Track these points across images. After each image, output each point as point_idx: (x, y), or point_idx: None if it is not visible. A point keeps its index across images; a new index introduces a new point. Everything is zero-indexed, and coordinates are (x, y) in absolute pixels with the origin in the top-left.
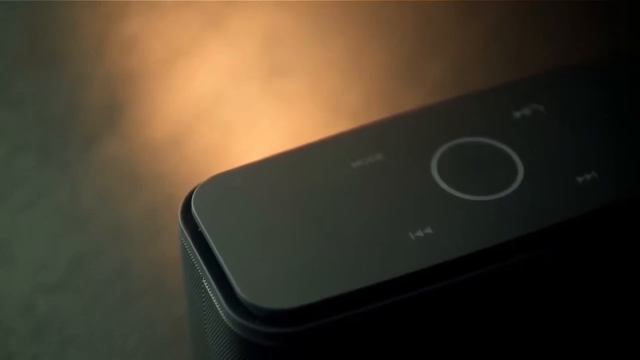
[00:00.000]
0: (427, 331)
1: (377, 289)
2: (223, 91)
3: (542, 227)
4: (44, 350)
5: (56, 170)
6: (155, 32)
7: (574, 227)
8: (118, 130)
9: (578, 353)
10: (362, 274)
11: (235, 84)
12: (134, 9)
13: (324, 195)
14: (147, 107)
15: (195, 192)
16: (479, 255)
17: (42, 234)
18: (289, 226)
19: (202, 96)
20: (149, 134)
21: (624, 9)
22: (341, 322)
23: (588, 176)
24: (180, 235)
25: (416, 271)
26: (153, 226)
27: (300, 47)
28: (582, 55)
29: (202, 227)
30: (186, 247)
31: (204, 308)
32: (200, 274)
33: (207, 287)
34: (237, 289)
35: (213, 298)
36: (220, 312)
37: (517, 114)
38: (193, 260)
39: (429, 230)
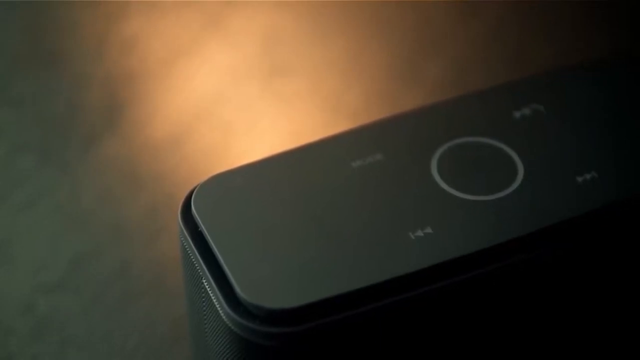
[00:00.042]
0: (427, 331)
1: (377, 288)
2: (223, 91)
3: (542, 227)
4: (44, 350)
5: (56, 170)
6: (155, 32)
7: (574, 227)
8: (118, 130)
9: (578, 353)
10: (362, 273)
11: (235, 84)
12: (134, 9)
13: (324, 195)
14: (147, 107)
15: (195, 192)
16: (479, 255)
17: (42, 234)
18: (289, 226)
19: (202, 96)
20: (149, 134)
21: (624, 9)
22: (341, 322)
23: (588, 176)
24: (180, 235)
25: (416, 271)
26: (153, 226)
27: (300, 47)
28: (582, 55)
29: (202, 227)
30: (186, 247)
31: (204, 308)
32: (200, 273)
33: (207, 287)
34: (237, 289)
35: (213, 298)
36: (220, 312)
37: (517, 114)
38: (193, 260)
39: (429, 230)
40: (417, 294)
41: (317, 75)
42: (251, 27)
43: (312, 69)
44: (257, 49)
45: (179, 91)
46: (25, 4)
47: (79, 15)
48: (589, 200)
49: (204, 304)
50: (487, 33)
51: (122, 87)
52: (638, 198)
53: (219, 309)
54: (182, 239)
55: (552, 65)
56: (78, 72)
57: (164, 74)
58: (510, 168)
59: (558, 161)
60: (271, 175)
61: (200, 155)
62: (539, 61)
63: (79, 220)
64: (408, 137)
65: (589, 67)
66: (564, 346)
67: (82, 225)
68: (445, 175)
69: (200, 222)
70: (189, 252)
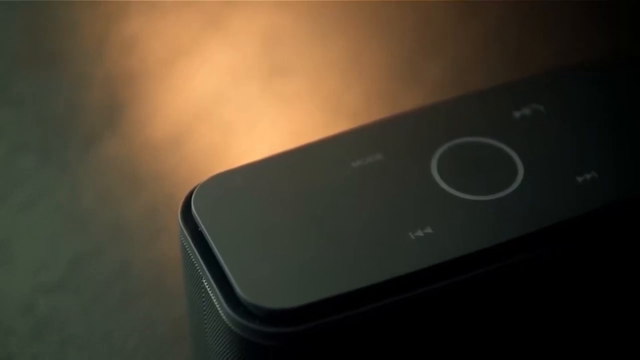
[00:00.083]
0: (427, 331)
1: (377, 288)
2: (223, 91)
3: (542, 227)
4: (44, 350)
5: (56, 170)
6: (155, 32)
7: (573, 227)
8: (118, 130)
9: (578, 353)
10: (362, 273)
11: (235, 84)
12: (134, 9)
13: (324, 195)
14: (147, 107)
15: (195, 192)
16: (479, 255)
17: (42, 234)
18: (289, 226)
19: (202, 96)
20: (149, 134)
21: (624, 9)
22: (341, 321)
23: (588, 176)
24: (180, 235)
25: (416, 271)
26: (153, 226)
27: (300, 47)
28: (582, 55)
29: (202, 227)
30: (186, 247)
31: (204, 308)
32: (200, 273)
33: (207, 287)
34: (237, 289)
35: (213, 298)
36: (220, 311)
37: (517, 114)
38: (193, 260)
39: (429, 230)
40: (417, 294)
41: (317, 75)
42: (251, 27)
43: (312, 69)
44: (257, 49)
45: (179, 91)
46: (25, 4)
47: (79, 15)
48: (589, 200)
49: (204, 304)
50: (487, 33)
51: (122, 87)
52: (638, 198)
53: (219, 309)
54: (182, 239)
55: (552, 65)
56: (78, 72)
57: (164, 74)
58: (510, 168)
59: (558, 161)
60: (271, 175)
61: (200, 155)
62: (539, 61)
63: (79, 220)
64: (408, 137)
65: (589, 67)
66: (564, 346)
67: (82, 225)
68: (445, 175)
69: (200, 222)
70: (189, 252)
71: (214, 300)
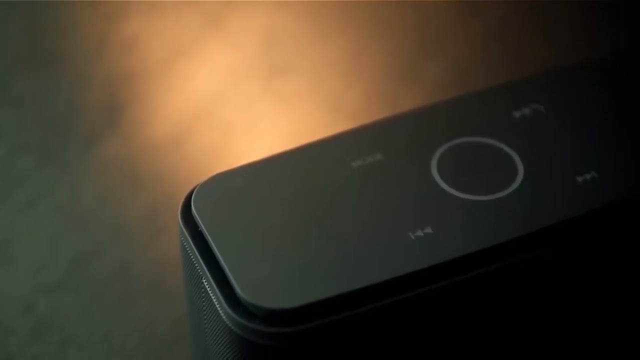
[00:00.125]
0: (427, 331)
1: (377, 288)
2: (223, 91)
3: (542, 227)
4: (44, 350)
5: (56, 170)
6: (155, 32)
7: (573, 227)
8: (118, 130)
9: (578, 353)
10: (362, 273)
11: (235, 84)
12: (134, 9)
13: (324, 195)
14: (147, 107)
15: (195, 192)
16: (479, 255)
17: (42, 234)
18: (289, 226)
19: (202, 96)
20: (149, 134)
21: (624, 9)
22: (341, 321)
23: (588, 176)
24: (180, 235)
25: (416, 271)
26: (153, 226)
27: (300, 47)
28: (582, 55)
29: (202, 227)
30: (186, 247)
31: (204, 308)
32: (200, 273)
33: (207, 286)
34: (237, 289)
35: (213, 298)
36: (220, 311)
37: (517, 114)
38: (193, 260)
39: (429, 230)
40: (417, 294)
41: (317, 75)
42: (251, 27)
43: (312, 69)
44: (257, 49)
45: (179, 91)
46: (25, 4)
47: (79, 15)
48: (589, 200)
49: (204, 303)
50: (487, 33)
51: (122, 87)
52: (638, 198)
53: (219, 308)
54: (182, 238)
55: (552, 65)
56: (78, 72)
57: (164, 74)
58: (510, 168)
59: (558, 161)
60: (271, 175)
61: (200, 155)
62: (539, 61)
63: (79, 220)
64: (408, 137)
65: (589, 67)
66: (564, 346)
67: (82, 225)
68: (445, 175)
69: (200, 222)
70: (189, 252)
71: (214, 300)
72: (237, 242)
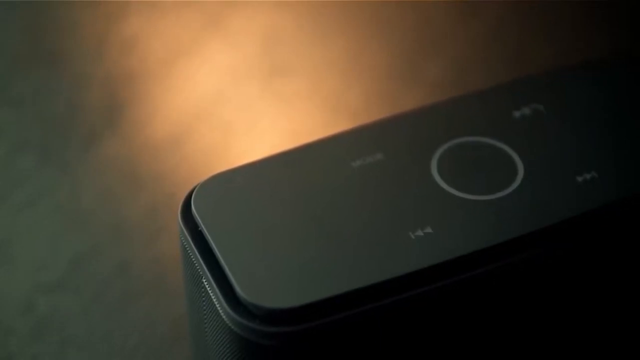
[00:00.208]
0: (427, 331)
1: (377, 288)
2: (223, 91)
3: (542, 226)
4: (44, 350)
5: (56, 170)
6: (155, 32)
7: (573, 227)
8: (118, 130)
9: (578, 353)
10: (361, 273)
11: (235, 84)
12: (134, 9)
13: (324, 195)
14: (147, 107)
15: (195, 191)
16: (479, 255)
17: (42, 233)
18: (288, 226)
19: (202, 96)
20: (149, 134)
21: (624, 9)
22: (341, 321)
23: (588, 176)
24: (180, 235)
25: (416, 271)
26: (153, 226)
27: (300, 47)
28: (582, 55)
29: (202, 227)
30: (186, 246)
31: (204, 307)
32: (200, 273)
33: (207, 286)
34: (237, 289)
35: (213, 297)
36: (220, 311)
37: (517, 114)
38: (193, 259)
39: (429, 230)
40: (417, 294)
41: (317, 75)
42: (251, 27)
43: (312, 69)
44: (257, 49)
45: (179, 91)
46: (25, 4)
47: (79, 15)
48: (589, 200)
49: (204, 303)
50: (487, 33)
51: (122, 87)
52: (638, 198)
53: (218, 308)
54: (182, 238)
55: (552, 65)
56: (78, 72)
57: (164, 74)
58: (510, 168)
59: (558, 161)
60: (271, 175)
61: (200, 155)
62: (539, 61)
63: (79, 220)
64: (408, 137)
65: (589, 67)
66: (564, 346)
67: (82, 225)
68: (445, 175)
69: (200, 222)
70: (189, 251)
71: (214, 300)
72: (237, 242)
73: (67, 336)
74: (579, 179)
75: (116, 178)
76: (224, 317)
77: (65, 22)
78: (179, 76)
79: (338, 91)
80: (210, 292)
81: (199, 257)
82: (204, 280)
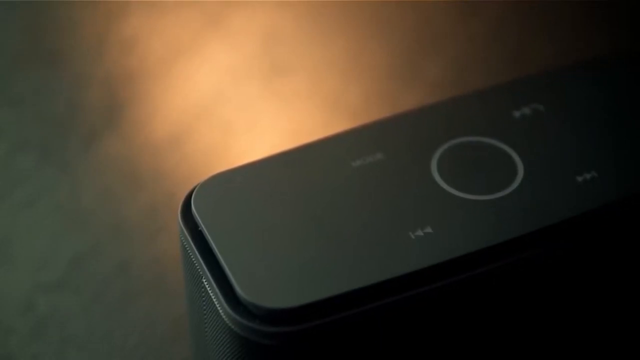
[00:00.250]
0: (427, 330)
1: (377, 288)
2: (223, 91)
3: (542, 226)
4: (44, 350)
5: (56, 169)
6: (155, 31)
7: (573, 227)
8: (118, 129)
9: (578, 353)
10: (362, 273)
11: (235, 84)
12: (134, 9)
13: (324, 195)
14: (147, 107)
15: (195, 191)
16: (479, 255)
17: (42, 233)
18: (288, 225)
19: (202, 96)
20: (149, 134)
21: (624, 9)
22: (341, 321)
23: (588, 176)
24: (180, 235)
25: (416, 270)
26: (153, 225)
27: (300, 47)
28: (582, 55)
29: (202, 227)
30: (186, 246)
31: (204, 307)
32: (200, 273)
33: (207, 286)
34: (237, 288)
35: (213, 297)
36: (220, 311)
37: (517, 114)
38: (193, 259)
39: (429, 230)
40: (417, 294)
41: (317, 75)
42: (251, 27)
43: (312, 68)
44: (257, 49)
45: (179, 91)
46: (25, 4)
47: (79, 15)
48: (589, 200)
49: (203, 303)
50: (487, 33)
51: (122, 87)
52: (638, 198)
53: (218, 308)
54: (182, 238)
55: (552, 65)
56: (78, 72)
57: (164, 73)
58: (510, 168)
59: (558, 161)
60: (271, 175)
61: (200, 155)
62: (539, 61)
63: (79, 219)
64: (408, 136)
65: (589, 67)
66: (564, 346)
67: (82, 224)
68: (445, 175)
69: (200, 222)
70: (189, 251)
71: (214, 300)
72: (237, 242)
73: (67, 336)
74: (579, 179)
75: (116, 178)
76: (224, 317)
77: (65, 22)
78: (179, 76)
79: (338, 91)
80: (210, 292)
81: (199, 257)
82: (204, 280)
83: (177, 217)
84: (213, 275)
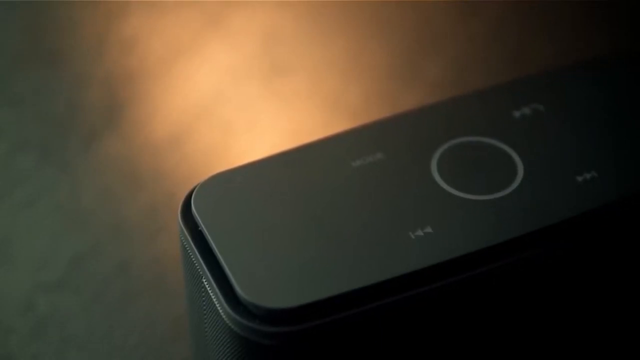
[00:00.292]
0: (427, 330)
1: (377, 288)
2: (223, 91)
3: (542, 226)
4: (44, 350)
5: (56, 169)
6: (155, 31)
7: (573, 227)
8: (118, 129)
9: (578, 353)
10: (362, 273)
11: (235, 84)
12: (133, 9)
13: (324, 195)
14: (147, 107)
15: (195, 191)
16: (479, 255)
17: (42, 233)
18: (288, 225)
19: (202, 96)
20: (149, 134)
21: (624, 9)
22: (341, 321)
23: (588, 175)
24: (180, 235)
25: (416, 270)
26: (153, 225)
27: (300, 47)
28: (582, 55)
29: (202, 227)
30: (186, 246)
31: (204, 307)
32: (200, 273)
33: (207, 286)
34: (237, 288)
35: (213, 297)
36: (220, 311)
37: (517, 114)
38: (193, 259)
39: (429, 230)
40: (417, 294)
41: (317, 75)
42: (251, 27)
43: (312, 68)
44: (257, 48)
45: (179, 91)
46: (25, 4)
47: (79, 15)
48: (589, 199)
49: (203, 303)
50: (487, 33)
51: (122, 87)
52: (638, 198)
53: (218, 308)
54: (182, 238)
55: (552, 65)
56: (78, 72)
57: (164, 73)
58: (510, 168)
59: (558, 161)
60: (271, 175)
61: (200, 155)
62: (539, 61)
63: (79, 219)
64: (408, 136)
65: (589, 66)
66: (564, 346)
67: (82, 224)
68: (445, 175)
69: (200, 222)
70: (189, 251)
71: (214, 300)
72: (237, 242)
73: (67, 336)
74: (579, 178)
75: (116, 178)
76: (224, 317)
77: (65, 22)
78: (179, 76)
79: (338, 91)
80: (210, 292)
81: (199, 257)
82: (204, 280)
83: (177, 217)
84: (213, 275)
